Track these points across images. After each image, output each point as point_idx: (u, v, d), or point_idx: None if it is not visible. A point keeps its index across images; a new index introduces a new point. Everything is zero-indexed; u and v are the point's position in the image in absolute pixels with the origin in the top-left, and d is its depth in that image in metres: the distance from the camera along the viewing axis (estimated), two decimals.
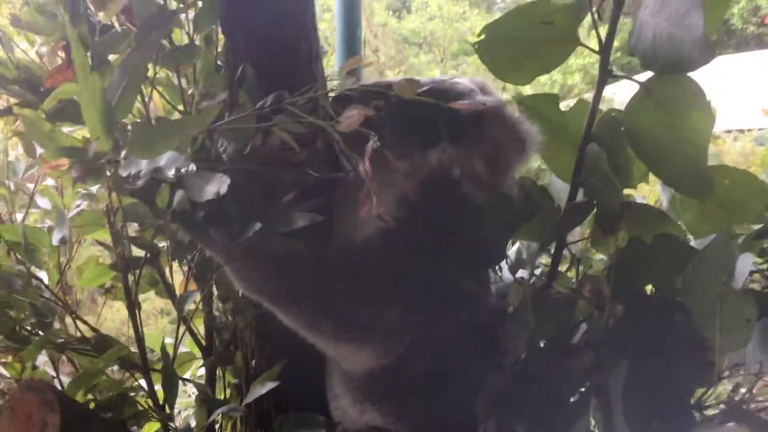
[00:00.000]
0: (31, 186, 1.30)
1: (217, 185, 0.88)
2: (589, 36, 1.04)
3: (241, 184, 0.91)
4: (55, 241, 0.92)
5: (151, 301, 2.79)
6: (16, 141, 1.32)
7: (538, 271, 1.09)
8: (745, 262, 0.93)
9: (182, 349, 1.25)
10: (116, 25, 0.98)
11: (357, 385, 1.08)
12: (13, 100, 1.17)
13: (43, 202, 1.27)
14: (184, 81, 1.15)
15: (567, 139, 1.11)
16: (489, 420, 0.89)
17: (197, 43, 1.13)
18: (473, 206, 1.01)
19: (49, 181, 1.31)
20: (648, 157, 1.04)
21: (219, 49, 1.19)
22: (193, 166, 0.84)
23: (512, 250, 1.10)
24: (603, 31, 1.00)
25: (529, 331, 0.92)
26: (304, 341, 1.09)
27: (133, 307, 1.06)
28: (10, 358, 0.99)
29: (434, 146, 0.96)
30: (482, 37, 0.99)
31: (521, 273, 1.07)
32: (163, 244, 1.09)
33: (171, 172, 0.84)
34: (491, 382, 0.91)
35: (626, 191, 1.21)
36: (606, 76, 1.01)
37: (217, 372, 1.23)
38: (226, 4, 1.11)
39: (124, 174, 0.83)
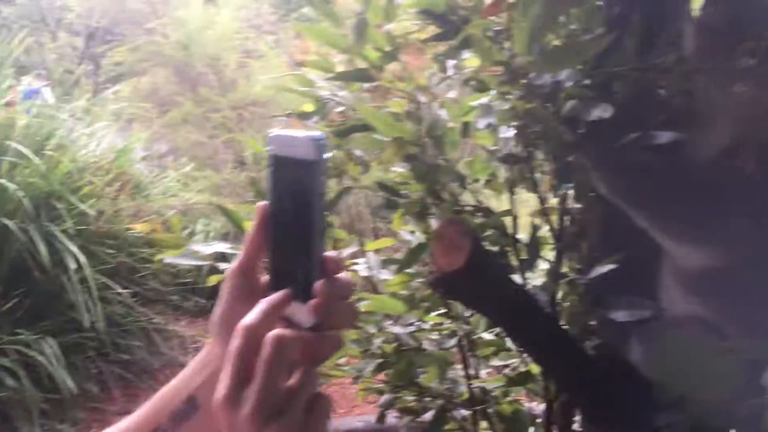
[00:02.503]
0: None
1: (601, 111, 1.16)
2: None
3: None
4: (480, 125, 1.27)
5: None
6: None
7: None
8: None
9: None
10: None
11: (687, 280, 1.29)
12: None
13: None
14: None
15: None
16: None
17: None
18: None
19: (449, 95, 1.70)
20: None
21: None
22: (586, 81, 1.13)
23: None
24: None
25: None
26: (641, 238, 1.33)
27: (512, 192, 1.40)
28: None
29: None
30: None
31: None
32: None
33: (569, 84, 1.13)
34: None
35: None
36: None
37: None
38: None
39: (535, 83, 1.14)
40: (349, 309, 0.66)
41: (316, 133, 0.62)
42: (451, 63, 1.61)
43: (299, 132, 0.65)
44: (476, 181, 1.56)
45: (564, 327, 1.39)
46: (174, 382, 0.79)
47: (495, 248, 1.32)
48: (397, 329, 1.24)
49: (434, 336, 1.51)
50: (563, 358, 1.29)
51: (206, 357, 0.77)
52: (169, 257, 1.39)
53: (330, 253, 0.64)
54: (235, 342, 0.60)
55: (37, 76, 6.61)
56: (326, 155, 0.63)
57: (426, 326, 1.41)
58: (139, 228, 1.32)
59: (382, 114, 1.20)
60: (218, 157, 5.32)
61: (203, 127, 5.29)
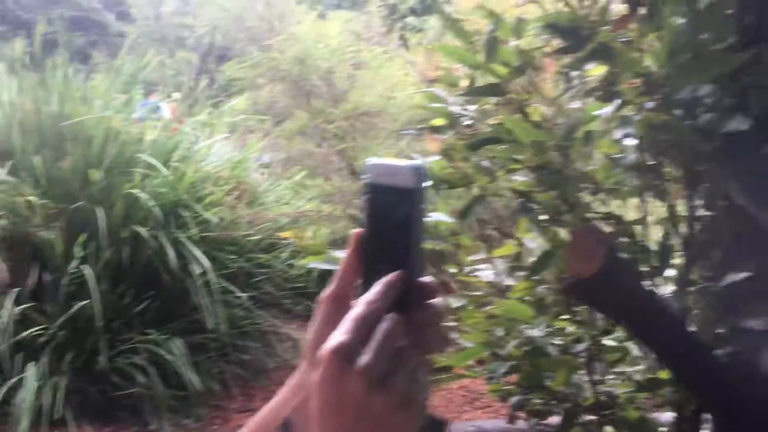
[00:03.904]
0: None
1: (738, 123, 1.18)
2: None
3: None
4: (618, 135, 1.32)
5: None
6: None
7: None
8: None
9: None
10: None
11: None
12: None
13: None
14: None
15: None
16: None
17: None
18: None
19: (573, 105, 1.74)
20: None
21: None
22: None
23: None
24: None
25: None
26: None
27: (642, 200, 1.43)
28: None
29: None
30: None
31: None
32: None
33: (708, 99, 1.16)
34: None
35: None
36: None
37: None
38: None
39: (673, 96, 1.18)
40: (439, 335, 0.67)
41: (416, 162, 0.63)
42: (574, 74, 1.65)
43: (399, 161, 0.66)
44: (603, 189, 1.59)
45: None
46: (269, 407, 0.81)
47: (625, 256, 1.35)
48: (534, 332, 1.30)
49: (557, 341, 1.55)
50: (696, 364, 1.31)
51: (300, 381, 0.79)
52: (312, 262, 1.50)
53: (425, 279, 0.65)
54: (357, 309, 0.62)
55: (158, 92, 7.03)
56: (426, 184, 0.64)
57: (549, 331, 1.46)
58: (287, 235, 1.44)
59: (521, 122, 1.26)
60: (329, 166, 5.50)
61: (316, 137, 5.49)
